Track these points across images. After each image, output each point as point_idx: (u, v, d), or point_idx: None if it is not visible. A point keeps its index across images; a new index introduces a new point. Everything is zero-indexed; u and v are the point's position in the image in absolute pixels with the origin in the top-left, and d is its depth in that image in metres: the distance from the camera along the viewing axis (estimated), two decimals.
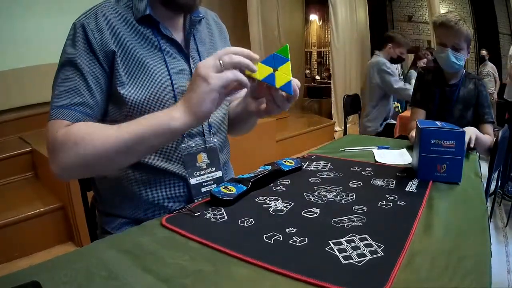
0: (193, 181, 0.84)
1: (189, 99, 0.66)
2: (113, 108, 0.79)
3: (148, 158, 0.81)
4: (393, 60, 2.88)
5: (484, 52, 4.98)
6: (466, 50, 1.44)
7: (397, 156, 1.12)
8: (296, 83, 0.72)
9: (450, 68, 1.45)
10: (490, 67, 4.87)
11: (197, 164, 0.85)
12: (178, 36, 0.85)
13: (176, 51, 0.84)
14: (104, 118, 0.80)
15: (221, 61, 0.64)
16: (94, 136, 0.69)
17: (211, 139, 0.88)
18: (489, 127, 1.47)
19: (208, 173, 0.86)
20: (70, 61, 0.75)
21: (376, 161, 1.07)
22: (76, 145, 0.68)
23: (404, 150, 1.18)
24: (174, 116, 0.67)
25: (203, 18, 0.91)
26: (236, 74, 0.65)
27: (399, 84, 2.77)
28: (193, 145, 0.84)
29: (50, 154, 0.72)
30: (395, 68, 4.02)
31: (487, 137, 1.39)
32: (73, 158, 0.69)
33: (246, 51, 0.67)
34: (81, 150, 0.68)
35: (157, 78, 0.79)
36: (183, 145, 0.83)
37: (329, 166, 0.99)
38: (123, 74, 0.77)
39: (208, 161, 0.86)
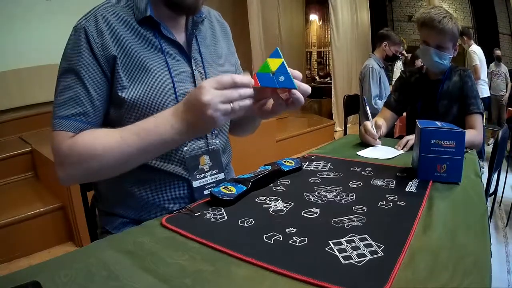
0: (195, 183, 0.83)
1: (194, 126, 0.68)
2: (114, 110, 0.79)
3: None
4: (388, 58, 2.88)
5: (498, 52, 4.73)
6: (451, 49, 1.38)
7: (383, 151, 1.15)
8: (297, 75, 0.69)
9: (435, 68, 1.41)
10: (503, 68, 4.65)
11: (200, 167, 0.84)
12: (180, 37, 0.84)
13: (177, 53, 0.83)
14: (106, 118, 0.80)
15: (231, 105, 0.64)
16: (98, 148, 0.71)
17: (214, 141, 0.87)
18: (474, 119, 1.36)
19: (211, 175, 0.86)
20: (70, 68, 0.75)
21: (357, 154, 1.12)
22: (81, 158, 0.72)
23: (390, 148, 1.20)
24: (176, 138, 0.69)
25: (205, 18, 0.90)
26: (242, 107, 0.65)
27: (374, 92, 2.74)
28: (195, 147, 0.84)
29: (57, 165, 0.75)
30: (398, 67, 4.00)
31: (471, 132, 1.29)
32: (79, 170, 0.73)
33: (246, 79, 0.66)
34: (86, 164, 0.72)
35: (159, 80, 0.79)
36: (185, 148, 0.82)
37: (329, 166, 0.99)
38: (124, 77, 0.76)
39: (211, 163, 0.86)
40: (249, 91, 0.65)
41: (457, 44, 1.39)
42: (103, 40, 0.75)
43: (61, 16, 3.08)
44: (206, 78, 0.85)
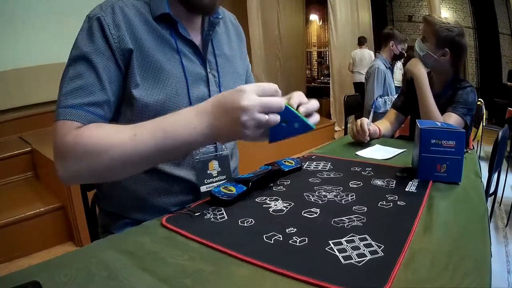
0: (203, 188, 0.82)
1: (219, 131, 0.61)
2: (126, 108, 0.76)
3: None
4: (396, 57, 2.90)
5: None
6: (434, 47, 1.35)
7: (383, 151, 1.16)
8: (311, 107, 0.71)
9: (416, 56, 1.44)
10: None
11: (208, 172, 0.83)
12: (196, 38, 0.82)
13: (193, 54, 0.81)
14: (117, 116, 0.77)
15: (267, 116, 0.59)
16: (108, 144, 0.63)
17: (223, 146, 0.86)
18: (449, 116, 1.30)
19: (219, 180, 0.85)
20: (83, 56, 0.70)
21: (357, 155, 1.12)
22: (88, 153, 0.63)
23: (389, 148, 1.20)
24: (198, 140, 0.62)
25: (221, 19, 0.88)
26: (273, 122, 0.61)
27: (377, 93, 2.74)
28: (205, 152, 0.82)
29: (58, 159, 0.66)
30: (398, 67, 4.00)
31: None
32: (83, 167, 0.64)
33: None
34: (92, 160, 0.63)
35: (173, 81, 0.76)
36: (194, 152, 0.81)
37: (329, 166, 0.99)
38: (137, 75, 0.73)
39: (219, 169, 0.85)
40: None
41: (447, 50, 1.35)
42: (119, 32, 0.72)
43: (61, 16, 3.08)
44: (219, 82, 0.84)
